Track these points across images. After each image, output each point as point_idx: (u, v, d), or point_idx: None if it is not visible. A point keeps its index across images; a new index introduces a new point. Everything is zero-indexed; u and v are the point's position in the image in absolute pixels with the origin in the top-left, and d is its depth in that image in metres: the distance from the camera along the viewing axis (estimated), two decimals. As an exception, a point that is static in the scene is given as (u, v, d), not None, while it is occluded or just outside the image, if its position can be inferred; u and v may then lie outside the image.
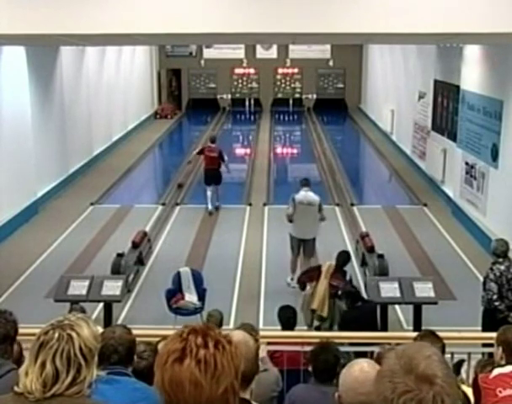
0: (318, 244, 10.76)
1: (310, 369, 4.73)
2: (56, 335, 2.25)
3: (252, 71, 31.66)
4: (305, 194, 10.11)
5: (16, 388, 2.24)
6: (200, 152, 14.79)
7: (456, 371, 5.58)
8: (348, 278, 8.48)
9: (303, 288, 8.54)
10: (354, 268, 10.63)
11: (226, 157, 14.33)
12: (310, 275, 8.48)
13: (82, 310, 6.20)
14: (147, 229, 12.33)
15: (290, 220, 10.07)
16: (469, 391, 3.81)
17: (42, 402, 2.21)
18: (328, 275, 8.18)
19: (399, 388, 1.49)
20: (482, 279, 7.89)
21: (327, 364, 4.44)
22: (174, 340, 1.69)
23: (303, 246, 10.20)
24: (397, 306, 8.83)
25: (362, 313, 7.46)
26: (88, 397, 2.29)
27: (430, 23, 6.39)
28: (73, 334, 2.26)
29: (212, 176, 14.21)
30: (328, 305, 8.06)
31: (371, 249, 10.33)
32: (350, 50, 29.26)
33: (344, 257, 8.59)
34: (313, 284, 8.28)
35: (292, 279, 9.94)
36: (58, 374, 2.22)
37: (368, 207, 14.74)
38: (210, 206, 13.97)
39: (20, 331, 3.57)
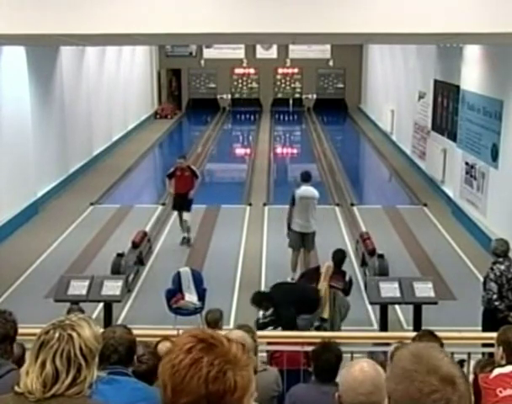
0: (318, 244, 10.77)
1: (310, 369, 4.73)
2: (57, 335, 2.25)
3: (252, 71, 31.66)
4: (306, 189, 10.38)
5: (16, 388, 2.24)
6: (172, 175, 12.21)
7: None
8: (347, 278, 8.47)
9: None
10: (354, 268, 10.63)
11: (198, 174, 12.38)
12: (309, 277, 8.44)
13: (81, 311, 6.19)
14: (147, 229, 12.33)
15: (289, 224, 10.36)
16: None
17: (42, 402, 2.21)
18: (327, 277, 8.16)
19: (426, 388, 1.50)
20: (482, 279, 7.89)
21: (328, 364, 4.44)
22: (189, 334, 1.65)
23: (304, 240, 10.35)
24: (397, 306, 8.83)
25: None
26: (89, 397, 2.29)
27: (430, 23, 6.39)
28: (74, 334, 2.26)
29: (182, 201, 12.01)
30: (328, 306, 8.05)
31: (372, 251, 10.32)
32: (350, 50, 29.26)
33: (339, 256, 8.56)
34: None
35: (293, 279, 9.94)
36: (58, 374, 2.21)
37: (368, 207, 14.74)
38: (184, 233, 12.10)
39: (20, 331, 3.57)
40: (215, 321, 6.67)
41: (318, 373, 4.50)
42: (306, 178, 10.55)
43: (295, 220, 10.32)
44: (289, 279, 10.04)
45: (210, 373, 1.56)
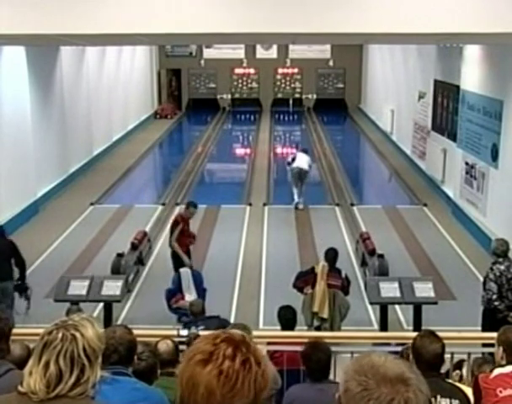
0: (318, 244, 10.78)
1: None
2: (60, 335, 2.25)
3: (252, 71, 31.66)
4: (301, 153, 14.98)
5: (20, 388, 2.24)
6: (176, 224, 9.71)
7: (457, 369, 5.57)
8: (343, 275, 8.45)
9: (301, 291, 8.45)
10: (354, 268, 10.64)
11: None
12: (305, 279, 8.37)
13: (80, 311, 6.18)
14: (147, 229, 12.33)
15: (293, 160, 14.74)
16: (469, 391, 3.81)
17: (46, 403, 2.21)
18: (324, 276, 8.14)
19: (383, 400, 1.45)
20: (482, 279, 7.90)
21: (319, 363, 4.46)
22: (207, 340, 1.64)
23: (301, 175, 14.21)
24: (397, 306, 8.83)
25: None
26: (92, 399, 2.29)
27: (430, 23, 6.39)
28: (77, 334, 2.26)
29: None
30: (327, 306, 8.04)
31: (372, 251, 10.32)
32: (350, 50, 29.26)
33: (332, 254, 8.51)
34: (309, 287, 8.22)
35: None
36: (61, 375, 2.21)
37: (368, 207, 14.74)
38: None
39: (21, 331, 3.57)
40: (200, 311, 6.90)
41: (311, 373, 4.52)
42: (303, 150, 15.36)
43: (293, 165, 14.45)
44: (296, 200, 14.23)
45: (258, 372, 1.60)
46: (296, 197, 14.29)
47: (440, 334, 4.14)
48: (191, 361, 1.62)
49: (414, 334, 4.58)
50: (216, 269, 10.55)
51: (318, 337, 5.61)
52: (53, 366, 2.21)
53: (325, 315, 8.01)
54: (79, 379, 2.23)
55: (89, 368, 2.26)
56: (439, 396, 3.60)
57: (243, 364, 1.60)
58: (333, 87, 31.98)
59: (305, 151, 15.23)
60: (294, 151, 20.28)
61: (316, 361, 4.47)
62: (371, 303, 8.44)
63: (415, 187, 16.17)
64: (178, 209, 14.34)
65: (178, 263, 9.43)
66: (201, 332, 5.47)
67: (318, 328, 8.08)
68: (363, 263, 10.67)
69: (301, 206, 14.19)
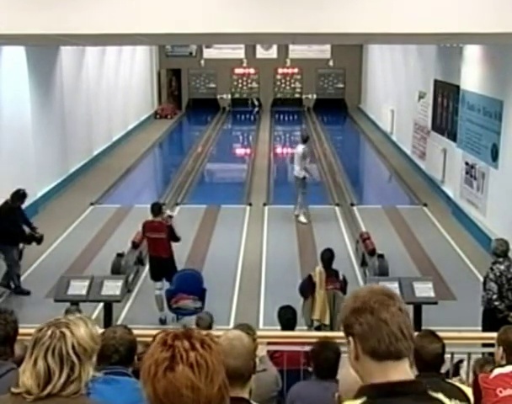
0: (318, 244, 10.77)
1: (310, 368, 4.73)
2: (49, 332, 2.24)
3: (252, 71, 31.66)
4: (298, 146, 13.81)
5: (13, 389, 2.23)
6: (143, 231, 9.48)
7: (455, 371, 5.58)
8: (341, 277, 8.37)
9: (306, 297, 8.34)
10: (354, 268, 10.64)
11: (179, 235, 9.25)
12: (304, 289, 8.21)
13: (79, 312, 6.18)
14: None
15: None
16: (469, 391, 3.80)
17: (39, 402, 2.20)
18: (322, 284, 8.04)
19: (372, 299, 1.84)
20: (482, 279, 7.90)
21: (328, 361, 4.46)
22: (159, 349, 1.64)
23: (300, 183, 13.35)
24: (397, 306, 8.81)
25: None
26: (87, 396, 2.29)
27: (430, 23, 6.39)
28: (67, 332, 2.25)
29: (161, 266, 9.08)
30: (329, 312, 7.96)
31: (372, 251, 10.31)
32: (350, 50, 29.25)
33: (328, 255, 8.34)
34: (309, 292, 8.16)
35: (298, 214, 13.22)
36: (50, 372, 2.21)
37: (368, 207, 14.74)
38: (162, 315, 8.99)
39: (20, 331, 3.57)
40: (208, 327, 6.56)
41: (318, 371, 4.53)
42: (303, 138, 13.91)
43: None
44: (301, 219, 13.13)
45: (215, 347, 1.71)
46: (297, 207, 13.47)
47: (440, 334, 4.14)
48: (157, 375, 1.61)
49: (414, 334, 4.59)
50: (215, 269, 10.55)
51: (321, 336, 5.60)
52: (41, 362, 2.20)
53: (326, 321, 7.94)
54: (69, 377, 2.22)
55: (79, 366, 2.24)
56: (439, 396, 3.60)
57: (203, 346, 1.63)
58: (333, 87, 31.98)
59: (303, 141, 13.68)
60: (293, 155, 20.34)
61: (324, 359, 4.47)
62: (371, 303, 8.41)
63: (415, 187, 16.17)
64: (178, 209, 14.34)
65: (170, 267, 9.08)
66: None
67: (319, 328, 8.05)
68: (363, 263, 10.67)
69: (303, 220, 13.19)
